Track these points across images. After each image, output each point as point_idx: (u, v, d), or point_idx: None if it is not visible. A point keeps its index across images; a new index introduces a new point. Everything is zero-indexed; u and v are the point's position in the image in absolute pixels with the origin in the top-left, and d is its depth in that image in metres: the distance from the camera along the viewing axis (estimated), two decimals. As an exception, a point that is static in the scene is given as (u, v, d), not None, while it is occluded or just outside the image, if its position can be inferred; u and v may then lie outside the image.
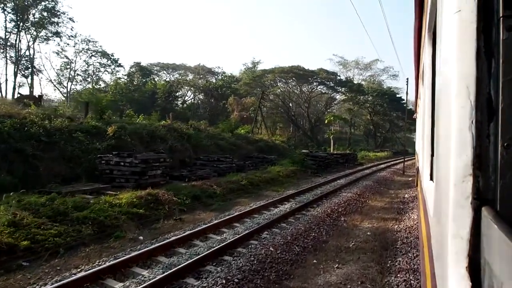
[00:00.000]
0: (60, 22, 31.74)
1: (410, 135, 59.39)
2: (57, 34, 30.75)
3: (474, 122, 0.64)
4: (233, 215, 8.23)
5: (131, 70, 49.28)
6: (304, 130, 48.64)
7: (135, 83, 45.81)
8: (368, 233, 7.40)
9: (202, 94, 42.29)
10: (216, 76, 53.06)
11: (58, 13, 31.88)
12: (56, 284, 4.23)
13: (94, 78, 45.31)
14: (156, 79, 47.42)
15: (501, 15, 0.61)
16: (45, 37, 31.74)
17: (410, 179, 17.69)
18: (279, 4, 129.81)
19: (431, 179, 2.23)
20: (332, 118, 29.59)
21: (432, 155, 2.18)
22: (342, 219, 8.46)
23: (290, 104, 49.47)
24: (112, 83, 41.27)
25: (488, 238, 0.57)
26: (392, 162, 28.65)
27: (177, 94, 39.91)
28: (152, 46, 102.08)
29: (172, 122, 23.12)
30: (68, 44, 35.25)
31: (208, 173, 14.09)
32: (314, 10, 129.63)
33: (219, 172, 14.95)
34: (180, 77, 49.97)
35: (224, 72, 49.82)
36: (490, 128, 0.63)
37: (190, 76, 53.68)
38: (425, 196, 2.53)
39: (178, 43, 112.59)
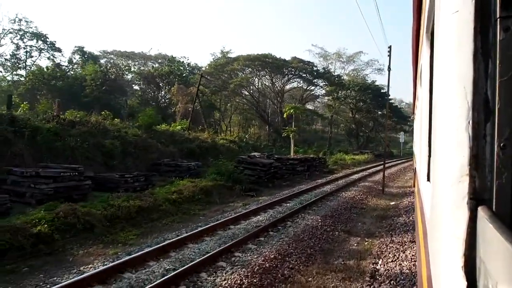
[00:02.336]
0: None
1: (395, 135, 53.87)
2: None
3: (470, 122, 0.64)
4: None
5: (74, 56, 41.81)
6: (275, 127, 41.91)
7: (78, 71, 38.46)
8: None
9: (145, 82, 34.72)
10: (181, 67, 45.85)
11: None
12: None
13: (27, 64, 37.70)
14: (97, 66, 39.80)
15: (498, 16, 0.60)
16: None
17: (393, 203, 11.04)
18: (279, 4, 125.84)
19: (428, 179, 2.21)
20: (292, 110, 22.62)
21: (429, 155, 2.16)
22: None
23: (269, 101, 42.97)
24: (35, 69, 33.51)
25: (484, 238, 0.57)
26: (371, 170, 22.16)
27: (117, 81, 32.05)
28: (118, 34, 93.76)
29: (59, 111, 16.40)
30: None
31: (4, 201, 7.12)
32: (316, 10, 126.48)
33: (38, 199, 8.01)
34: (119, 63, 42.48)
35: (174, 57, 42.08)
36: (487, 129, 0.62)
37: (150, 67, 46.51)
38: (422, 197, 2.56)
39: (162, 38, 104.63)
